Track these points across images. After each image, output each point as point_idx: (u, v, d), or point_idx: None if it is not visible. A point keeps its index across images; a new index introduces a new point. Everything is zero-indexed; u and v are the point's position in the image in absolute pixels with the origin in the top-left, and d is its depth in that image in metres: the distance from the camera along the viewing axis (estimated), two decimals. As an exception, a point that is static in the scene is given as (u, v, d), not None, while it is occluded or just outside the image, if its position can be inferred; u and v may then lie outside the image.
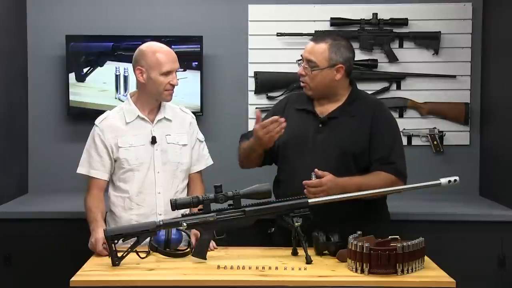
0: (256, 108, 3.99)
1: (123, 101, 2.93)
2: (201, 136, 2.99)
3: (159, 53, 2.77)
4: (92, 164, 2.81)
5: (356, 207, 2.68)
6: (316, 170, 2.61)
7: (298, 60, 2.88)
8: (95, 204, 2.77)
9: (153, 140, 2.81)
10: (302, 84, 2.86)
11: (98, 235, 2.59)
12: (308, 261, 2.42)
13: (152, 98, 2.83)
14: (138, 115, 2.82)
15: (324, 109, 2.85)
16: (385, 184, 2.67)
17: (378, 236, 2.40)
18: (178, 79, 2.81)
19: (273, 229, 2.65)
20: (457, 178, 2.50)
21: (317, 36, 2.91)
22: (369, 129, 2.78)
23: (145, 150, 2.81)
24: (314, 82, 2.80)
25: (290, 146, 2.83)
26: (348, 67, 2.82)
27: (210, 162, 3.01)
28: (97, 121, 2.86)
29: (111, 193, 2.85)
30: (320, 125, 2.82)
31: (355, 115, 2.81)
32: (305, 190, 2.58)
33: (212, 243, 2.60)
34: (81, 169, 2.84)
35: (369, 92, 3.99)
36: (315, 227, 2.55)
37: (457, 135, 4.08)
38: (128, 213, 2.81)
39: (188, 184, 2.93)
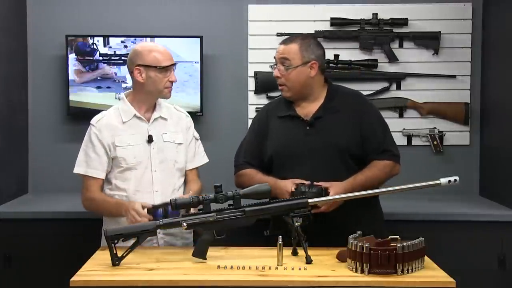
0: (256, 108, 4.00)
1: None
2: (196, 134, 2.99)
3: (154, 51, 2.79)
4: (89, 163, 2.81)
5: (352, 209, 2.70)
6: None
7: (273, 65, 2.88)
8: (103, 195, 2.81)
9: (150, 139, 2.82)
10: (280, 87, 2.87)
11: (134, 204, 2.64)
12: (308, 261, 2.42)
13: (151, 96, 2.83)
14: (135, 114, 2.83)
15: (307, 111, 2.86)
16: (385, 172, 2.80)
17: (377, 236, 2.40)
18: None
19: (268, 231, 2.62)
20: (457, 178, 2.50)
21: (286, 38, 2.90)
22: (358, 122, 2.81)
23: (142, 149, 2.82)
24: (291, 81, 2.82)
25: (283, 155, 2.83)
26: (321, 63, 2.84)
27: (205, 159, 3.01)
28: (93, 121, 2.86)
29: (108, 192, 2.85)
30: (308, 128, 2.83)
31: (339, 110, 2.83)
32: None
33: None
34: (79, 169, 2.84)
35: (369, 92, 4.01)
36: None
37: (457, 135, 4.07)
38: None
39: (184, 181, 2.94)
